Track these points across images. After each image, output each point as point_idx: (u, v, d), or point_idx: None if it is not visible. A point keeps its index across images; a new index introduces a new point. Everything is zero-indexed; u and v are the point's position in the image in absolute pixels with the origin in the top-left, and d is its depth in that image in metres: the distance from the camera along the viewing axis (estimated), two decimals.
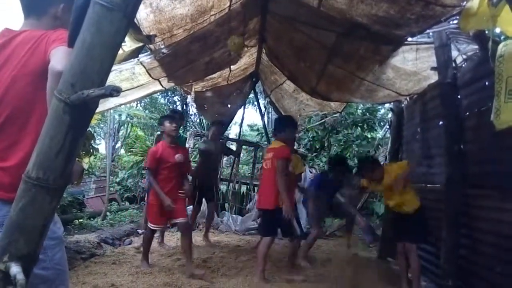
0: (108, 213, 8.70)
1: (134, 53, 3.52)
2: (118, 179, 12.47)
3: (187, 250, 3.93)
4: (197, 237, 6.03)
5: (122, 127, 15.41)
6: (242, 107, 7.85)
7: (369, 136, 9.76)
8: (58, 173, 1.12)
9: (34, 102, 1.52)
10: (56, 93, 1.11)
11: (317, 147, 9.60)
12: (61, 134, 1.10)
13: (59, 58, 1.39)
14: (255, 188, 8.12)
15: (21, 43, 1.54)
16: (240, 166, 10.19)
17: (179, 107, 15.06)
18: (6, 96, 1.51)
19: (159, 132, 5.71)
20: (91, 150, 6.03)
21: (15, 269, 1.06)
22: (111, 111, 9.55)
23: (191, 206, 5.87)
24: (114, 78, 3.67)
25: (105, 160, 12.72)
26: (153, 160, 4.01)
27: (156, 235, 5.49)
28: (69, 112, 1.10)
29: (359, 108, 9.91)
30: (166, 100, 15.34)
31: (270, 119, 13.05)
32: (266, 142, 8.27)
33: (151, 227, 4.15)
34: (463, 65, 3.52)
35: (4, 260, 1.08)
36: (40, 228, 1.13)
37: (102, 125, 12.40)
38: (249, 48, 5.03)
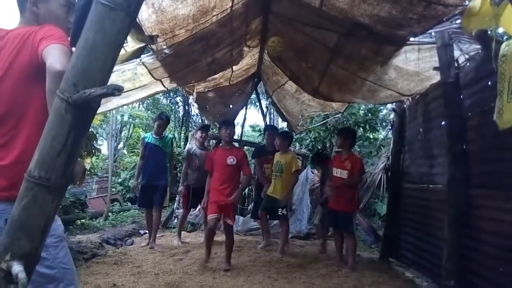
0: (110, 214, 8.72)
1: (136, 54, 3.53)
2: (120, 180, 12.48)
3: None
4: (199, 238, 6.05)
5: (124, 128, 15.42)
6: (244, 107, 7.86)
7: (371, 136, 9.73)
8: (60, 172, 1.12)
9: (26, 99, 1.51)
10: (58, 93, 1.11)
11: (319, 147, 9.57)
12: (63, 133, 1.10)
13: (57, 57, 1.37)
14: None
15: (10, 41, 1.53)
16: None
17: (181, 108, 15.06)
18: None
19: (143, 136, 5.85)
20: (93, 151, 6.06)
21: (16, 268, 1.07)
22: (113, 111, 9.57)
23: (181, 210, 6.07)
24: (116, 78, 3.67)
25: (107, 160, 12.74)
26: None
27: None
28: (71, 111, 1.10)
29: (361, 108, 9.88)
30: (168, 100, 15.31)
31: (272, 120, 13.05)
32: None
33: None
34: (466, 65, 3.51)
35: (6, 259, 1.08)
36: (42, 227, 1.14)
37: (105, 126, 12.42)
38: (251, 48, 5.03)
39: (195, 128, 12.44)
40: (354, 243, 4.53)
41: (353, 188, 4.56)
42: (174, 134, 14.50)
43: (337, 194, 4.56)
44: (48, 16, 1.63)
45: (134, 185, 5.83)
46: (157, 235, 5.68)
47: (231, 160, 4.26)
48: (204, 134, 5.95)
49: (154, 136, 5.54)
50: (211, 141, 7.75)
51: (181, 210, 7.33)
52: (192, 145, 6.09)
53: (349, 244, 4.55)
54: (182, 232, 6.20)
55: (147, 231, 6.30)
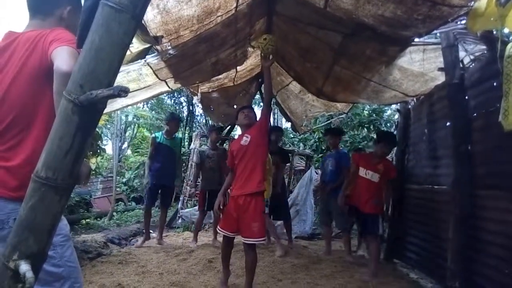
0: (114, 213, 8.77)
1: (141, 54, 3.55)
2: (124, 180, 12.56)
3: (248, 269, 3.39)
4: (203, 238, 6.06)
5: (128, 128, 15.52)
6: None
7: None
8: (67, 172, 1.13)
9: (37, 101, 1.52)
10: (65, 94, 1.12)
11: (323, 148, 9.58)
12: (70, 134, 1.11)
13: (64, 58, 1.39)
14: None
15: (21, 44, 1.54)
16: None
17: (185, 108, 15.12)
18: (9, 97, 1.52)
19: (154, 135, 5.86)
20: (98, 151, 6.10)
21: (24, 267, 1.08)
22: (118, 112, 9.63)
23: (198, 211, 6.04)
24: (121, 79, 3.69)
25: (112, 160, 12.82)
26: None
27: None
28: (77, 113, 1.11)
29: (366, 109, 9.88)
30: (173, 101, 15.38)
31: (276, 120, 13.06)
32: None
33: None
34: (471, 66, 3.50)
35: (14, 259, 1.09)
36: (49, 227, 1.15)
37: (109, 126, 12.50)
38: (255, 49, 5.03)
39: (199, 128, 12.47)
40: (378, 247, 4.30)
41: (381, 191, 4.36)
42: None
43: (365, 196, 4.32)
44: (72, 25, 1.67)
45: (145, 184, 5.75)
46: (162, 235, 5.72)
47: (244, 139, 3.46)
48: (217, 136, 6.09)
49: (165, 137, 5.54)
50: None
51: (185, 210, 7.39)
52: (203, 147, 6.15)
53: (373, 248, 4.30)
54: (186, 232, 6.24)
55: (155, 231, 6.30)
